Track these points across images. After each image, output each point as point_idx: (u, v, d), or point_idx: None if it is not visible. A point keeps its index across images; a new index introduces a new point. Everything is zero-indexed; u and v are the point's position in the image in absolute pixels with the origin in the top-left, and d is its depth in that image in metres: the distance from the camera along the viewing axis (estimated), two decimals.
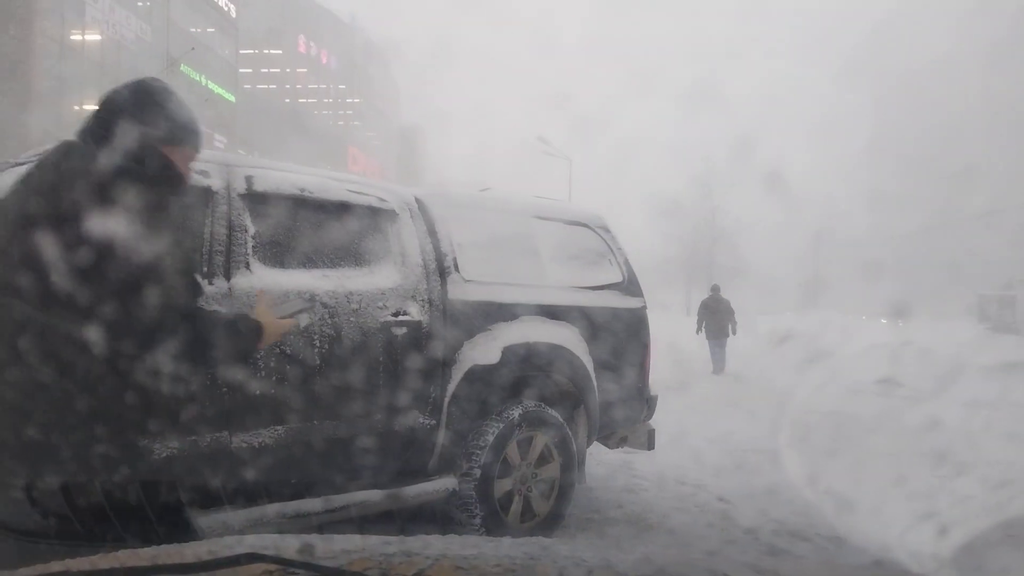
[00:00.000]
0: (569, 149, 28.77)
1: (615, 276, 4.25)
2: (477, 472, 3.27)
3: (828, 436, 6.81)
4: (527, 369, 3.56)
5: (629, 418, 4.25)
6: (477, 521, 3.26)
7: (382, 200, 3.24)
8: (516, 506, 3.47)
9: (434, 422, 3.20)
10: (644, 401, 4.31)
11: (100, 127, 1.57)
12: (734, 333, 12.95)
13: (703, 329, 12.92)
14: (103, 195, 1.45)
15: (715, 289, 13.55)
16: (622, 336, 4.12)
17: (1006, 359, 10.81)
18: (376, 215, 3.21)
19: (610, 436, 4.31)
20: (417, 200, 3.46)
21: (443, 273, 3.34)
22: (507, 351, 3.39)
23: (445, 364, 3.25)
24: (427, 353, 3.17)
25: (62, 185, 1.50)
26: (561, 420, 3.64)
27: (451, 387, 3.25)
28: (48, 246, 1.41)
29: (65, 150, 1.59)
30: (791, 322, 18.50)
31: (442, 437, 3.23)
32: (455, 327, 3.30)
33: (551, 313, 3.71)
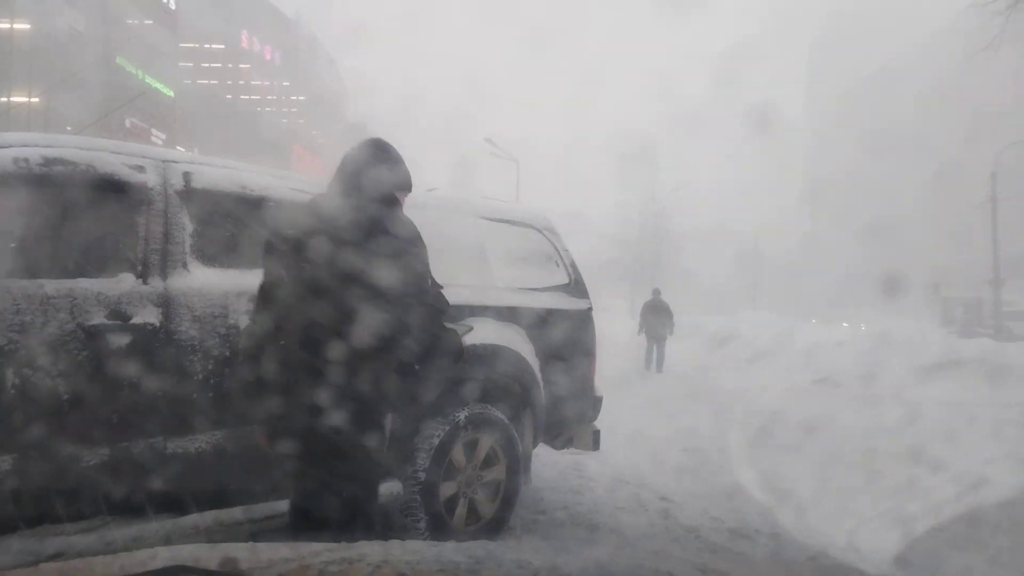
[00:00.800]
0: (519, 151, 28.84)
1: (561, 278, 4.27)
2: (421, 476, 3.24)
3: (767, 435, 6.99)
4: (473, 370, 3.54)
5: (575, 419, 4.27)
6: (421, 526, 3.22)
7: None
8: (461, 509, 3.44)
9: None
10: (590, 402, 4.34)
11: (355, 179, 2.16)
12: (671, 334, 13.59)
13: (643, 330, 13.57)
14: (388, 230, 2.07)
15: (656, 292, 14.28)
16: (568, 337, 4.14)
17: (941, 358, 11.29)
18: None
19: (556, 437, 4.32)
20: None
21: None
22: None
23: None
24: None
25: (359, 226, 2.06)
26: (507, 421, 3.63)
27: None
28: (361, 269, 1.96)
29: (350, 201, 2.13)
30: (734, 324, 18.95)
31: (387, 440, 3.18)
32: None
33: (497, 314, 3.70)
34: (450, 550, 0.95)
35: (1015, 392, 9.21)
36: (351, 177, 2.18)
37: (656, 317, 13.42)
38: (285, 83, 56.50)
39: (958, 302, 31.51)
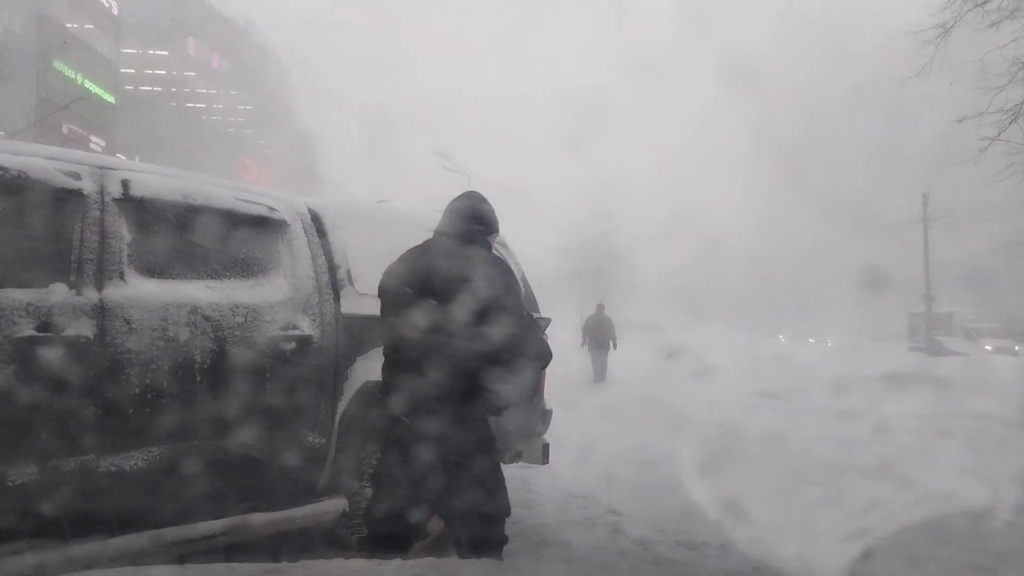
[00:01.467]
0: (472, 164, 28.87)
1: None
2: (369, 492, 3.18)
3: (712, 447, 7.10)
4: None
5: (524, 432, 4.26)
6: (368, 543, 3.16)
7: (272, 209, 3.12)
8: None
9: (324, 440, 3.09)
10: (539, 415, 4.34)
11: (460, 235, 2.58)
12: (615, 347, 14.25)
13: (587, 342, 14.33)
14: (493, 278, 2.42)
15: (600, 307, 15.01)
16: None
17: (877, 372, 11.68)
18: (265, 224, 3.08)
19: (505, 451, 4.29)
20: (310, 210, 3.36)
21: (336, 286, 3.24)
22: None
23: (337, 380, 3.15)
24: (318, 368, 3.06)
25: (472, 277, 2.37)
26: None
27: (343, 404, 3.14)
28: (479, 300, 2.33)
29: (463, 246, 2.54)
30: (682, 337, 19.26)
31: (332, 456, 3.12)
32: (348, 342, 3.20)
33: None
34: (395, 568, 0.93)
35: (944, 402, 9.58)
36: (463, 225, 2.61)
37: (599, 330, 14.18)
38: (233, 92, 55.44)
39: (922, 317, 32.15)
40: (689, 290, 53.79)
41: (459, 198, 2.73)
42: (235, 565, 1.00)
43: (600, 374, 13.98)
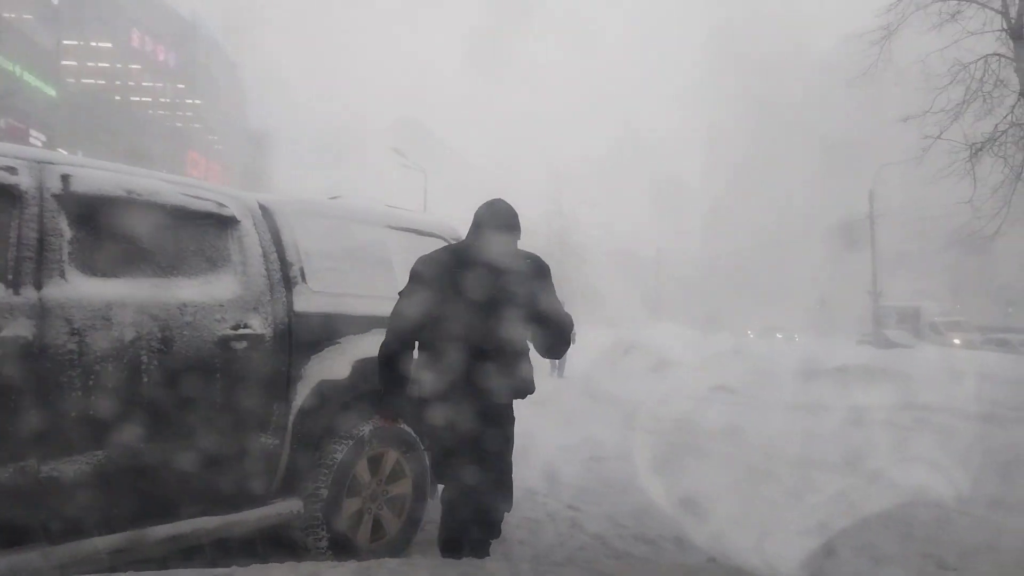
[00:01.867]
0: (425, 163, 28.69)
1: None
2: (324, 492, 3.13)
3: (668, 441, 7.19)
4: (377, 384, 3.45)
5: None
6: (324, 544, 3.11)
7: (221, 205, 3.04)
8: (365, 526, 3.35)
9: (278, 441, 3.02)
10: None
11: (496, 236, 2.74)
12: (574, 342, 14.02)
13: None
14: (533, 270, 2.77)
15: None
16: None
17: (825, 365, 11.98)
18: (214, 221, 3.00)
19: None
20: (261, 206, 3.28)
21: (289, 284, 3.18)
22: (358, 365, 3.28)
23: (290, 380, 3.09)
24: (270, 368, 3.00)
25: (516, 269, 2.71)
26: (414, 435, 3.57)
27: (297, 404, 3.08)
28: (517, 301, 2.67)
29: (504, 244, 2.75)
30: (637, 334, 19.46)
31: (286, 457, 3.06)
32: (302, 340, 3.14)
33: None
34: (350, 570, 0.90)
35: (891, 394, 9.89)
36: (497, 229, 2.79)
37: None
38: (180, 85, 53.96)
39: (892, 310, 32.49)
40: (645, 287, 54.46)
41: (490, 210, 2.84)
42: (181, 571, 0.96)
43: (560, 370, 14.47)
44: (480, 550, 2.66)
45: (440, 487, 2.85)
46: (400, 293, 2.84)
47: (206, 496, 2.80)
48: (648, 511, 4.31)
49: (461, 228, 4.45)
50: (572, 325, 2.87)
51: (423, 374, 2.68)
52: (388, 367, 2.73)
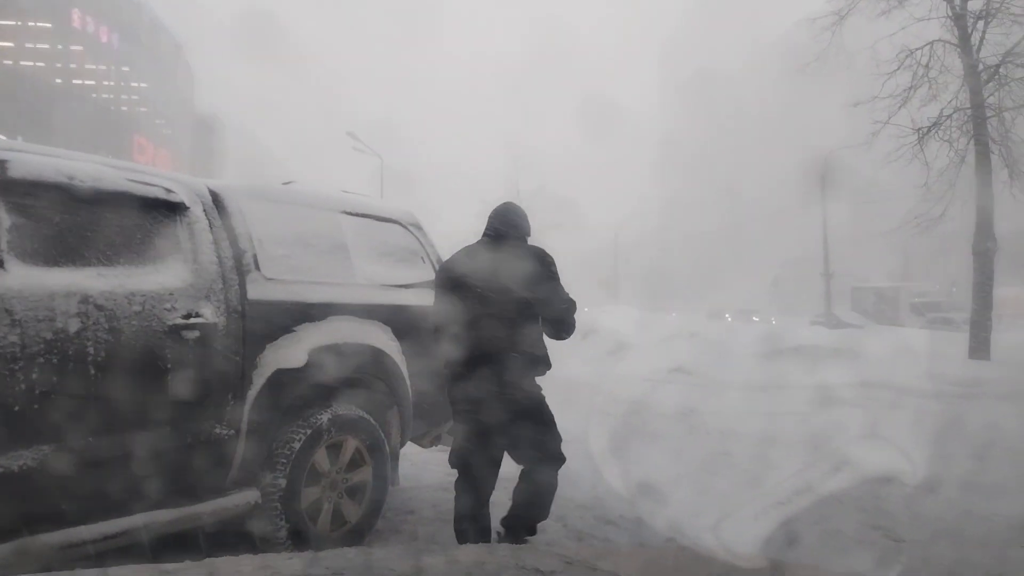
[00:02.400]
0: (383, 148, 28.31)
1: (427, 274, 4.20)
2: (282, 482, 3.08)
3: (626, 423, 7.28)
4: (337, 371, 3.41)
5: (444, 416, 4.24)
6: (283, 534, 3.07)
7: (169, 191, 2.94)
8: (325, 515, 3.32)
9: (233, 432, 2.96)
10: None
11: (507, 229, 3.13)
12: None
13: None
14: (538, 261, 3.01)
15: None
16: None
17: (781, 346, 12.24)
18: (162, 207, 2.90)
19: (424, 435, 4.27)
20: (211, 192, 3.19)
21: (242, 271, 3.10)
22: (314, 353, 3.23)
23: (245, 369, 3.02)
24: (223, 357, 2.93)
25: (520, 256, 3.03)
26: (373, 423, 3.54)
27: (252, 393, 3.02)
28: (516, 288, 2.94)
29: (515, 242, 3.14)
30: (595, 317, 19.61)
31: (242, 447, 3.00)
32: (256, 329, 3.08)
33: (362, 312, 3.59)
34: (306, 561, 0.88)
35: (843, 373, 10.17)
36: (505, 226, 3.17)
37: None
38: (124, 68, 52.15)
39: (870, 291, 32.58)
40: (603, 270, 54.89)
41: (499, 213, 3.23)
42: (136, 567, 0.93)
43: None
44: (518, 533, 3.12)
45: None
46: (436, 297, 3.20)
47: (159, 489, 2.73)
48: (608, 493, 4.36)
49: (418, 213, 4.42)
50: (574, 309, 3.16)
51: (448, 359, 3.04)
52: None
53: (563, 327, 3.14)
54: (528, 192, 39.47)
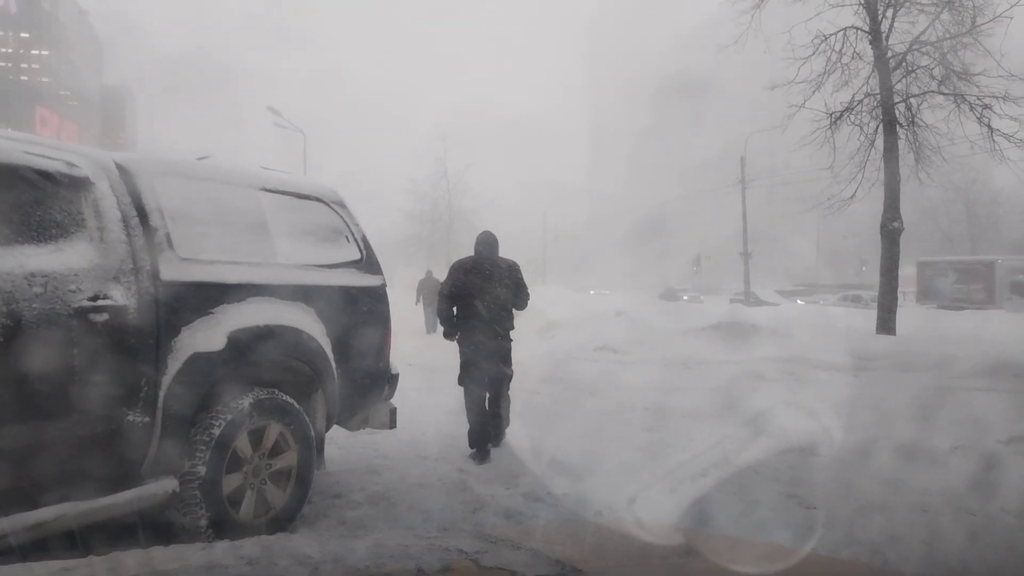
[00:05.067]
0: (306, 125, 27.52)
1: (352, 254, 4.12)
2: (201, 470, 2.98)
3: (554, 400, 7.37)
4: (258, 354, 3.31)
5: (370, 399, 4.18)
6: (203, 523, 2.96)
7: (71, 165, 2.76)
8: (248, 501, 3.22)
9: (147, 419, 2.83)
10: (385, 380, 4.26)
11: (489, 251, 5.19)
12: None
13: (420, 300, 17.85)
14: (511, 267, 5.21)
15: (429, 272, 18.91)
16: (361, 315, 4.02)
17: (702, 323, 12.60)
18: (63, 182, 2.72)
19: (351, 418, 4.20)
20: (118, 166, 3.01)
21: (154, 250, 2.95)
22: (234, 335, 3.11)
23: (159, 353, 2.89)
24: (135, 341, 2.79)
25: (501, 265, 5.17)
26: (297, 406, 3.45)
27: (167, 378, 2.89)
28: (504, 282, 5.14)
29: (496, 257, 5.22)
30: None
31: (158, 435, 2.87)
32: (170, 311, 2.94)
33: (284, 293, 3.48)
34: (220, 551, 0.84)
35: (759, 347, 10.58)
36: (488, 247, 5.21)
37: (429, 291, 17.07)
38: (24, 35, 48.80)
39: (947, 267, 28.99)
40: (533, 251, 55.25)
41: (483, 239, 5.27)
42: (32, 564, 0.88)
43: (432, 326, 16.43)
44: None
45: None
46: (443, 282, 5.35)
47: (68, 480, 2.59)
48: (536, 470, 4.41)
49: (341, 190, 4.32)
50: (528, 295, 5.34)
51: (459, 319, 5.17)
52: (446, 316, 5.26)
53: (522, 304, 5.29)
54: (455, 171, 39.30)
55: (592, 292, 37.96)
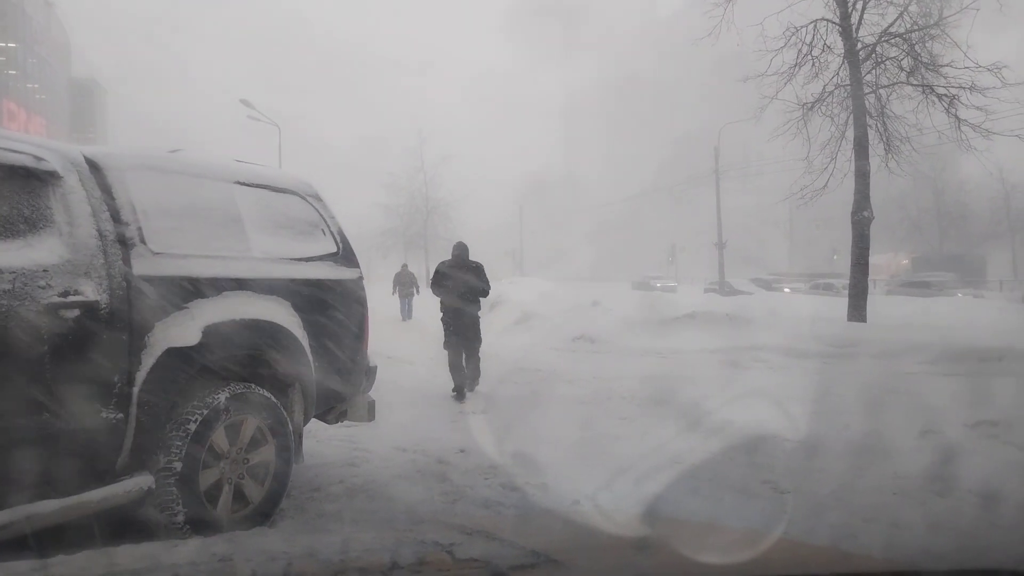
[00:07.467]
0: (283, 119, 27.19)
1: (329, 247, 4.09)
2: (177, 466, 2.95)
3: (532, 391, 7.40)
4: (234, 348, 3.28)
5: (348, 392, 4.16)
6: (180, 519, 2.94)
7: (38, 159, 2.71)
8: (226, 496, 3.20)
9: (121, 415, 2.80)
10: (363, 373, 4.25)
11: (463, 254, 7.56)
12: (418, 292, 18.94)
13: (396, 291, 19.29)
14: (478, 265, 7.59)
15: (404, 266, 20.66)
16: (338, 308, 4.00)
17: (678, 314, 12.69)
18: (31, 177, 2.67)
19: (329, 412, 4.18)
20: (88, 160, 2.96)
21: (126, 245, 2.91)
22: (209, 330, 3.08)
23: (133, 349, 2.85)
24: (107, 337, 2.75)
25: (471, 264, 7.55)
26: (274, 400, 3.43)
27: (141, 374, 2.86)
28: (472, 273, 7.48)
29: (467, 258, 7.59)
30: (502, 288, 19.71)
31: (133, 431, 2.84)
32: (143, 306, 2.90)
33: (259, 287, 3.46)
34: (192, 549, 0.85)
35: (733, 337, 10.69)
36: (462, 250, 7.55)
37: (404, 282, 19.18)
38: None
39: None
40: (510, 243, 55.28)
41: (458, 246, 7.58)
42: (3, 564, 0.87)
43: (407, 314, 18.52)
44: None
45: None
46: (433, 275, 7.58)
47: (40, 479, 2.56)
48: (513, 460, 4.43)
49: (316, 183, 4.29)
50: (489, 285, 7.47)
51: (443, 301, 7.36)
52: (437, 290, 7.41)
53: (485, 289, 7.39)
54: (432, 162, 39.13)
55: (598, 296, 37.70)
